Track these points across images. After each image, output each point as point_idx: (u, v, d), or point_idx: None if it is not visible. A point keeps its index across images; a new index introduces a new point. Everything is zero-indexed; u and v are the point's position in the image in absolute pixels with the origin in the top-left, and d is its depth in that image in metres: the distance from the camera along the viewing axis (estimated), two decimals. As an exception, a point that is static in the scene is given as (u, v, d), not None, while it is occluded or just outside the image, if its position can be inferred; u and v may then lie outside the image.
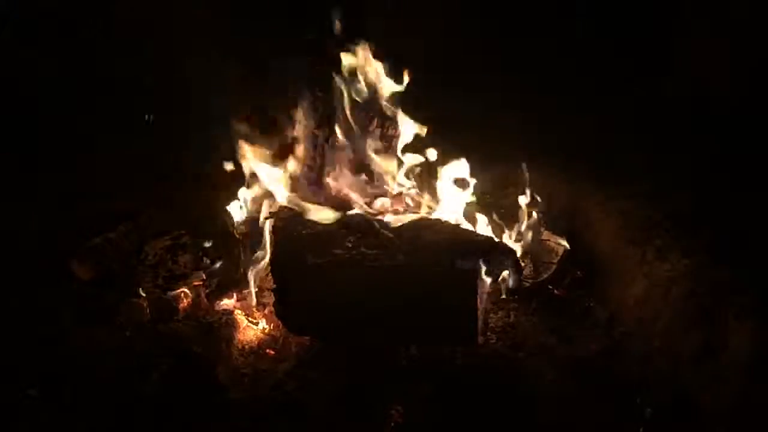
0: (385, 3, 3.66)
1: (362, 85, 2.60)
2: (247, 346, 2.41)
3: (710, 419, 1.93)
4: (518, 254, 2.63)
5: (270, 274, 2.46)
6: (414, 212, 2.57)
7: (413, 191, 2.69)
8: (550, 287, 2.69)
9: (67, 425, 2.03)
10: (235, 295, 2.63)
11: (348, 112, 2.56)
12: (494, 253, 2.28)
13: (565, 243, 2.78)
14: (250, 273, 2.58)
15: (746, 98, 3.35)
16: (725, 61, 3.62)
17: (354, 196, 2.57)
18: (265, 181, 2.61)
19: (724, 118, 3.28)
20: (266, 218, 2.56)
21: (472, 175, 2.78)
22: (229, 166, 2.68)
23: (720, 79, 3.60)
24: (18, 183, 3.27)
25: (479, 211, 2.81)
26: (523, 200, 2.84)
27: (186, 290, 2.61)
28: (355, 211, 2.46)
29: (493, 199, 3.07)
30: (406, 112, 2.69)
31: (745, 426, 1.84)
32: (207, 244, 2.75)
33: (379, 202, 2.58)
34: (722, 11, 3.65)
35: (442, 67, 3.83)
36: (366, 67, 2.61)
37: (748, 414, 1.84)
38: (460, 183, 2.76)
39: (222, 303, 2.60)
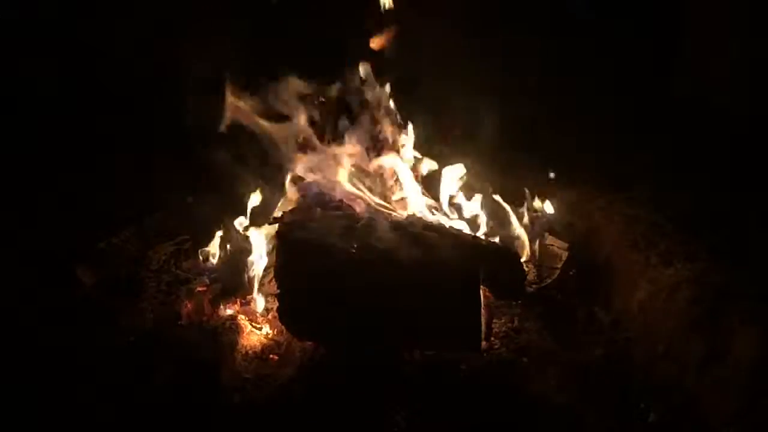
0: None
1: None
2: (250, 352, 2.40)
3: (715, 425, 1.92)
4: (522, 259, 2.63)
5: (274, 279, 2.46)
6: (417, 216, 2.57)
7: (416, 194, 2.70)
8: (554, 292, 2.69)
9: (69, 429, 2.04)
10: (238, 300, 2.63)
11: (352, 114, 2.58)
12: (498, 257, 2.28)
13: (568, 248, 2.79)
14: (253, 278, 2.58)
15: (748, 99, 3.35)
16: (726, 61, 3.62)
17: (358, 199, 2.57)
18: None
19: (726, 120, 3.27)
20: (270, 223, 2.57)
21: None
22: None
23: (721, 79, 3.60)
24: (19, 186, 3.27)
25: (482, 215, 2.81)
26: (526, 204, 2.84)
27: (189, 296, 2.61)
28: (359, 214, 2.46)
29: (496, 203, 3.05)
30: (409, 114, 2.71)
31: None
32: (210, 249, 2.76)
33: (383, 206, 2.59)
34: (723, 11, 3.65)
35: (441, 68, 3.83)
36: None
37: (753, 419, 1.83)
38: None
39: (225, 308, 2.60)
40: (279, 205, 2.76)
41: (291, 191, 2.65)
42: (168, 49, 3.44)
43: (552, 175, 2.83)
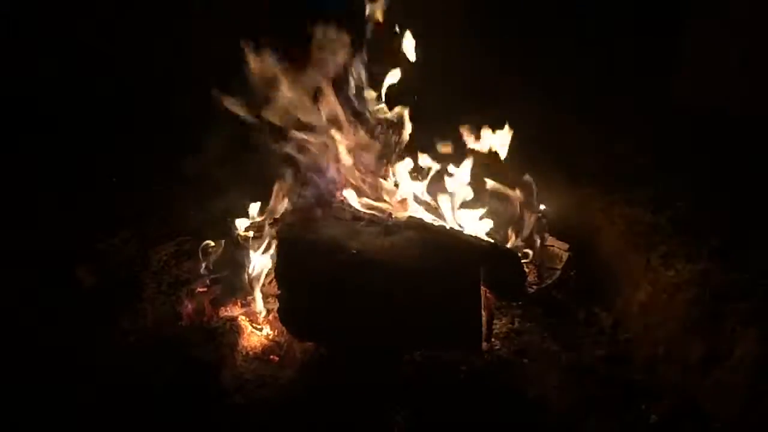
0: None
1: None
2: (251, 352, 2.40)
3: (715, 425, 1.92)
4: (522, 260, 2.62)
5: (274, 280, 2.46)
6: (419, 217, 2.56)
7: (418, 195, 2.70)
8: (555, 293, 2.69)
9: (69, 429, 2.04)
10: (239, 301, 2.63)
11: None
12: (498, 258, 2.28)
13: (568, 248, 2.78)
14: (254, 279, 2.58)
15: (747, 99, 3.35)
16: (726, 61, 3.61)
17: (359, 201, 2.57)
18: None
19: (726, 120, 3.27)
20: (271, 224, 2.57)
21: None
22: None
23: (721, 79, 3.60)
24: (19, 186, 3.27)
25: (484, 216, 2.80)
26: (528, 206, 2.83)
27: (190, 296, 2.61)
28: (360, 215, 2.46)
29: (498, 205, 3.06)
30: (410, 115, 2.70)
31: (750, 432, 1.83)
32: (211, 250, 2.75)
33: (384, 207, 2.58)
34: (723, 11, 3.65)
35: (442, 70, 3.83)
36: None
37: (754, 420, 1.83)
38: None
39: (226, 309, 2.59)
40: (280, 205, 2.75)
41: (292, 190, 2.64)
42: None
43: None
